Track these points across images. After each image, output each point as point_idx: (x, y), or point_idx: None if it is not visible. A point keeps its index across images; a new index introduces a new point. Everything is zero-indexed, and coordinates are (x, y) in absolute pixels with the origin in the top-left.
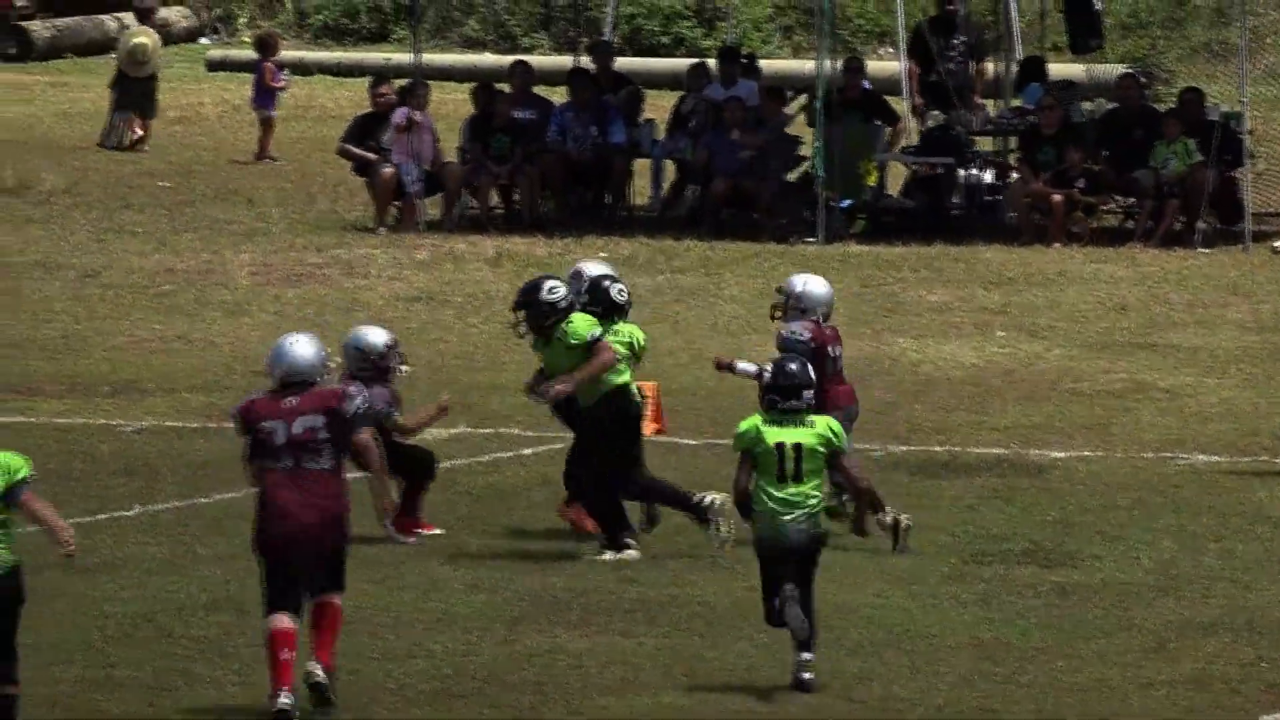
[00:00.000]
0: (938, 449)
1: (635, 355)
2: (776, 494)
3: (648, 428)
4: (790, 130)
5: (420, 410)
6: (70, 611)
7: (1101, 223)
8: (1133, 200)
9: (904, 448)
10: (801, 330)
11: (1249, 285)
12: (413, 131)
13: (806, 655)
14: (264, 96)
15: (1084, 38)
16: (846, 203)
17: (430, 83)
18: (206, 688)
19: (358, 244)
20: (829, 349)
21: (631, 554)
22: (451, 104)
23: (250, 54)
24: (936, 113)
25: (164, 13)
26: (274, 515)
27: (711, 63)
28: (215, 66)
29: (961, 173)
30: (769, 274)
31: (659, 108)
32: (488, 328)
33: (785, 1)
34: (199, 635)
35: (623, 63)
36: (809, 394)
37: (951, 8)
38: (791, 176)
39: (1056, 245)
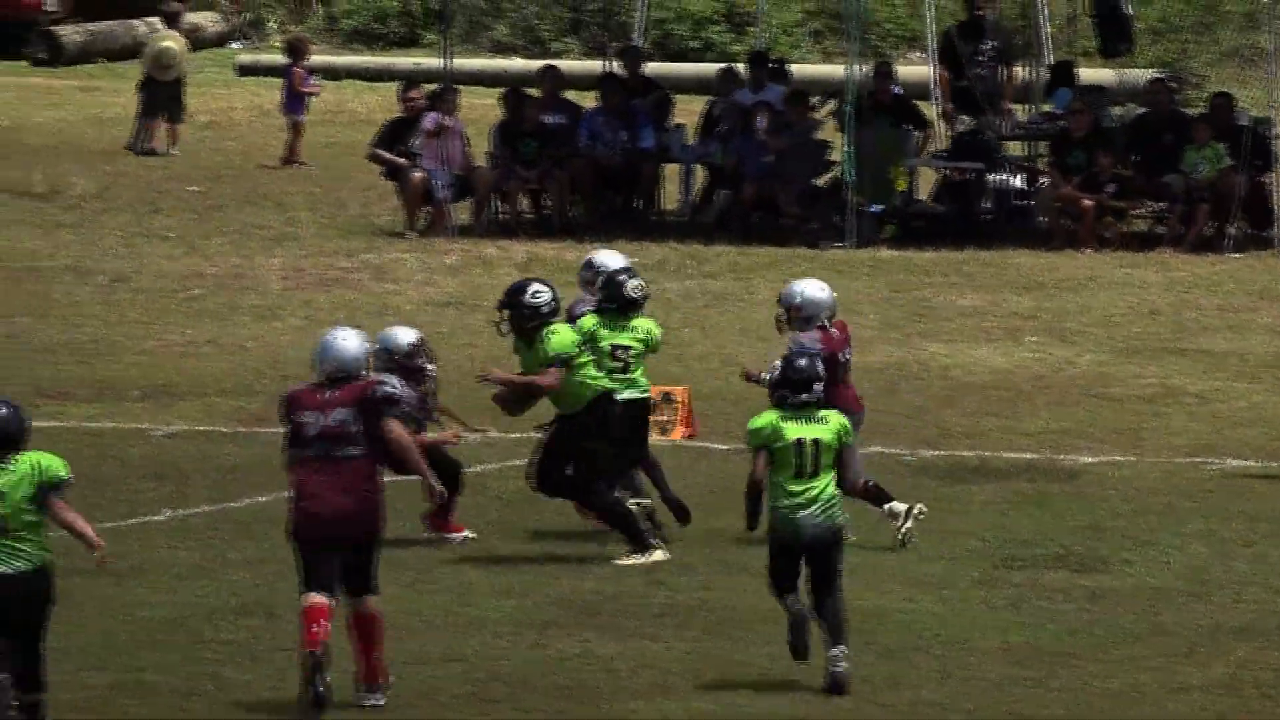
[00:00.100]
0: (968, 454)
1: (651, 349)
2: (794, 489)
3: (677, 432)
4: (820, 135)
5: (438, 434)
6: (100, 616)
7: (1131, 227)
8: (1163, 205)
9: (934, 452)
10: (811, 342)
11: (1279, 290)
12: (442, 137)
13: (837, 650)
14: (294, 101)
15: (1114, 42)
16: (876, 207)
17: (460, 88)
18: (237, 692)
19: (388, 249)
20: (839, 355)
21: (658, 555)
22: (481, 109)
23: (280, 59)
24: (966, 117)
25: (194, 17)
26: (305, 503)
27: (741, 67)
28: (245, 71)
29: (991, 178)
30: (799, 279)
31: (688, 112)
32: None
33: (815, 6)
34: (229, 639)
35: (652, 68)
36: (819, 388)
37: (980, 13)
38: (821, 181)
39: (1087, 250)
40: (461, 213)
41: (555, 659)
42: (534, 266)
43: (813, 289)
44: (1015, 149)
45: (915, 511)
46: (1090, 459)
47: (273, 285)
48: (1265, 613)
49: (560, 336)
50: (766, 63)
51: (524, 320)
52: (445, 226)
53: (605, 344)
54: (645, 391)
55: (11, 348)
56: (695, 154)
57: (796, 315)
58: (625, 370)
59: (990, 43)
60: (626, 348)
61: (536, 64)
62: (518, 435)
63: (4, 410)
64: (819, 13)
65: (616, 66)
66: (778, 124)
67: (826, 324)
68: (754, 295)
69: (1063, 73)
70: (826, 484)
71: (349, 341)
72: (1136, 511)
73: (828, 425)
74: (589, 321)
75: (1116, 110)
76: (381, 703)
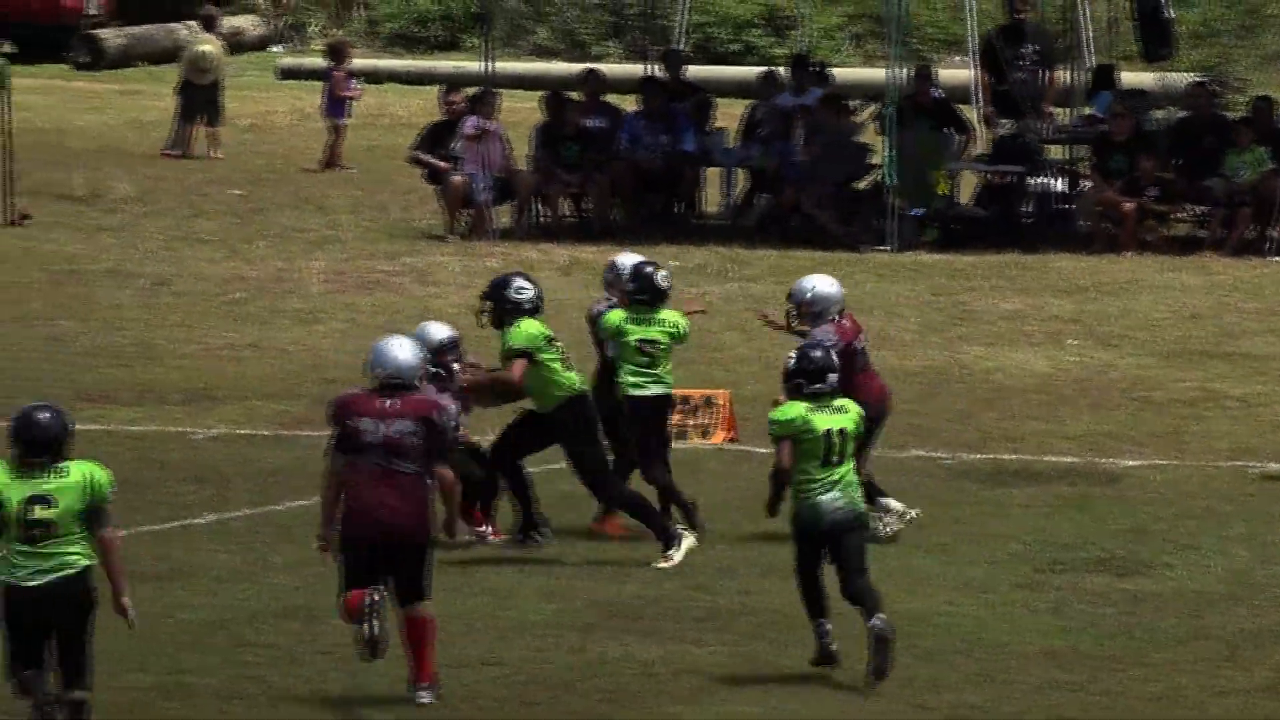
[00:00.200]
0: (1009, 457)
1: (679, 341)
2: (819, 475)
3: (719, 435)
4: (862, 138)
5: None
6: (142, 618)
7: (1173, 231)
8: (1204, 209)
9: (976, 456)
10: (826, 337)
11: None
12: (483, 140)
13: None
14: (335, 104)
15: (1156, 46)
16: (918, 211)
17: (501, 91)
18: (278, 695)
19: (429, 252)
20: (854, 344)
21: (689, 541)
22: (522, 112)
23: (321, 62)
24: (1007, 121)
25: (236, 21)
26: (359, 513)
27: (782, 71)
28: (287, 74)
29: (1032, 181)
30: (841, 282)
31: (729, 116)
32: (561, 336)
33: (856, 9)
34: (270, 643)
35: (693, 71)
36: (833, 377)
37: (1021, 16)
38: (862, 185)
39: (1128, 254)
40: (502, 216)
41: (596, 662)
42: (575, 270)
43: (823, 284)
44: (1056, 153)
45: (909, 517)
46: (1132, 462)
47: (314, 288)
48: None
49: (523, 329)
50: (808, 66)
51: (504, 314)
52: (486, 230)
53: (633, 339)
54: (669, 388)
55: (53, 351)
56: (736, 157)
57: (808, 311)
58: (653, 365)
59: (1031, 46)
60: (654, 342)
61: (577, 67)
62: None
63: (46, 415)
64: (860, 16)
65: (657, 70)
66: (811, 127)
67: (836, 318)
68: None
69: (1104, 76)
70: (848, 470)
71: (404, 349)
72: (1178, 515)
73: (848, 414)
74: (616, 317)
75: (1158, 114)
76: (432, 700)
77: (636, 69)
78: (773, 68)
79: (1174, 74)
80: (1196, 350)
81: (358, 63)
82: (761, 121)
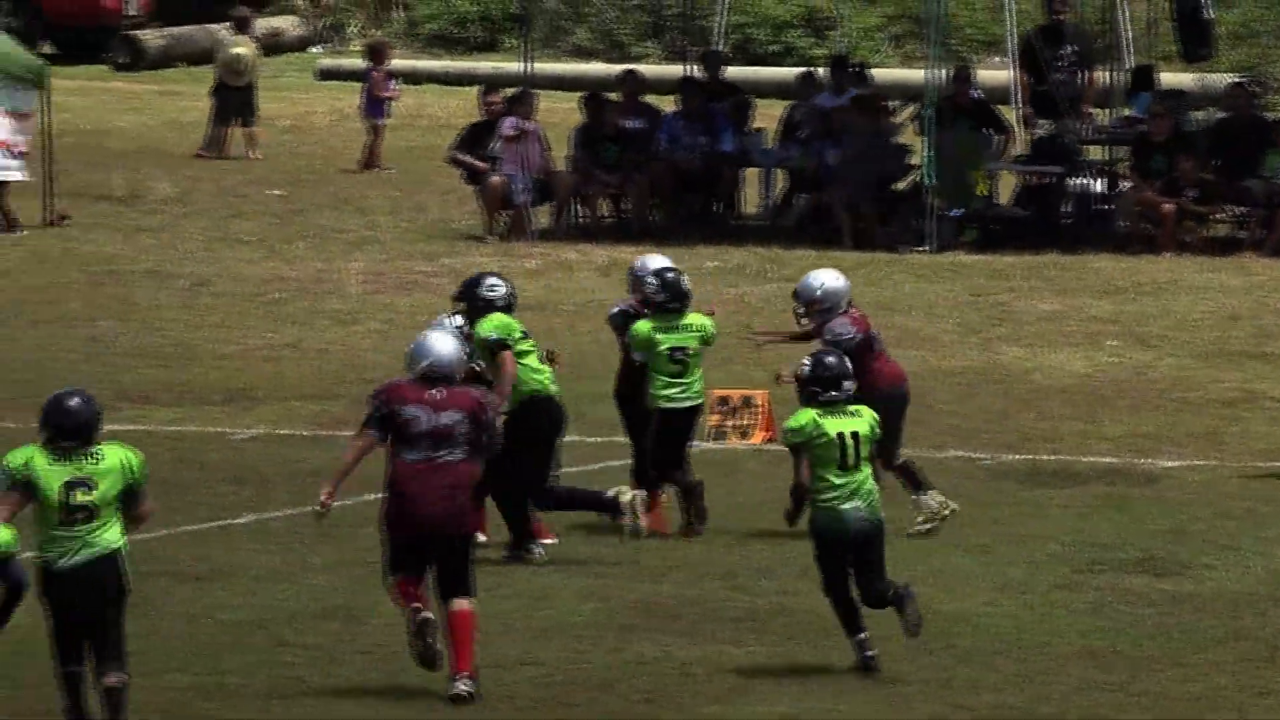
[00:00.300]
0: (1048, 458)
1: (707, 344)
2: (838, 481)
3: (758, 436)
4: (901, 139)
5: None
6: (182, 619)
7: (1212, 232)
8: (1243, 209)
9: (1015, 456)
10: (844, 329)
11: None
12: (522, 141)
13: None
14: (374, 105)
15: (1195, 47)
16: (956, 211)
17: (540, 92)
18: (318, 695)
19: (468, 252)
20: (872, 331)
21: (625, 494)
22: (561, 113)
23: (361, 63)
24: (1046, 122)
25: (275, 22)
26: (404, 503)
27: (821, 71)
28: (326, 75)
29: (1072, 182)
30: (880, 283)
31: (768, 117)
32: (599, 336)
33: (895, 10)
34: (310, 643)
35: (732, 72)
36: (849, 384)
37: (1060, 17)
38: (901, 185)
39: (1167, 254)
40: (541, 217)
41: (635, 663)
42: (614, 271)
43: (831, 279)
44: (1095, 153)
45: (947, 512)
46: (1170, 463)
47: (352, 289)
48: None
49: (494, 318)
50: (847, 66)
51: (477, 313)
52: (525, 231)
53: (664, 348)
54: (700, 398)
55: (93, 351)
56: (775, 158)
57: (819, 308)
58: (684, 374)
59: (1070, 47)
60: (684, 349)
61: (616, 68)
62: (596, 440)
63: (76, 400)
64: (899, 17)
65: (696, 71)
66: (842, 127)
67: (846, 309)
68: None
69: (1143, 77)
70: (867, 476)
71: (448, 344)
72: (1217, 516)
73: (862, 419)
74: (645, 327)
75: (1197, 115)
76: (468, 690)
77: (675, 70)
78: (811, 68)
79: (1213, 75)
80: (1235, 351)
81: (397, 63)
82: (800, 122)
